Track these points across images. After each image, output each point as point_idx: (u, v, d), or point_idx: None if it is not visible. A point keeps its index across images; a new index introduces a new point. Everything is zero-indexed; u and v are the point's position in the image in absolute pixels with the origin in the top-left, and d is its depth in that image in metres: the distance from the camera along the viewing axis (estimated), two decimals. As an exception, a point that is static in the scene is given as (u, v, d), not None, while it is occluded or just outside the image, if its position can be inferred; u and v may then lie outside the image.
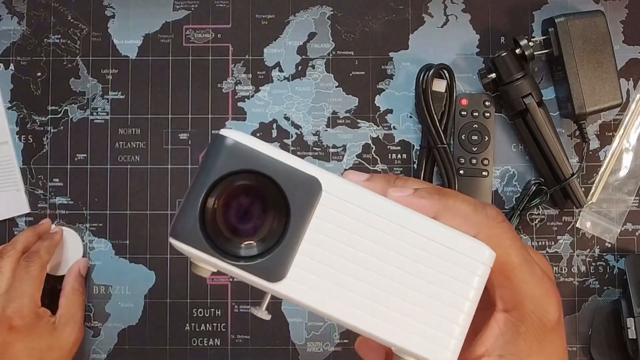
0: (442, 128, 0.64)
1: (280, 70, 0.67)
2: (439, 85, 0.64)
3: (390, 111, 0.67)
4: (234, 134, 0.31)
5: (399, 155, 0.66)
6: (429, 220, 0.33)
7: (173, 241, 0.31)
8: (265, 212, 0.33)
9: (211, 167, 0.31)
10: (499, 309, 0.35)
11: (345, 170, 0.38)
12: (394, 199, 0.34)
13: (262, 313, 0.33)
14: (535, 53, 0.63)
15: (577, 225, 0.66)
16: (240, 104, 0.67)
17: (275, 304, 0.64)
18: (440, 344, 0.32)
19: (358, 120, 0.66)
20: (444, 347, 0.32)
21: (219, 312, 0.65)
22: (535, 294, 0.34)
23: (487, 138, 0.65)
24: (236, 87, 0.67)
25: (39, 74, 0.67)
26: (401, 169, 0.66)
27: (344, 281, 0.32)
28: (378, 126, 0.66)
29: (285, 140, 0.66)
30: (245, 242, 0.32)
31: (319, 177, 0.31)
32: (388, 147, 0.66)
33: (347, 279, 0.32)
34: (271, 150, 0.31)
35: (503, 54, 0.63)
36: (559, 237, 0.66)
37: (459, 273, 0.32)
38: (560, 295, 0.36)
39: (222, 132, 0.31)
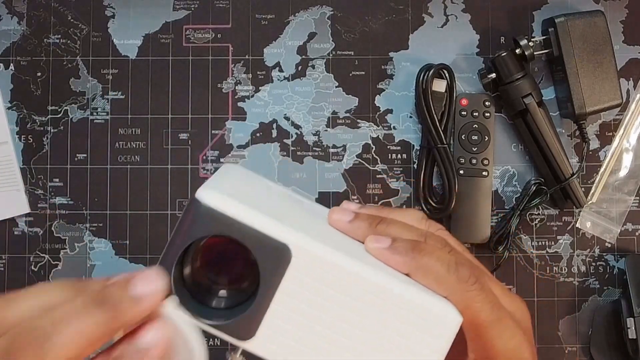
0: (442, 128, 0.64)
1: (280, 70, 0.67)
2: (439, 85, 0.64)
3: (390, 111, 0.67)
4: (209, 197, 0.32)
5: (399, 155, 0.66)
6: (398, 283, 0.33)
7: None
8: (237, 273, 0.34)
9: (185, 230, 0.32)
10: None
11: (334, 207, 0.39)
12: (370, 249, 0.35)
13: (237, 359, 0.34)
14: (535, 53, 0.63)
15: (577, 225, 0.66)
16: (240, 104, 0.67)
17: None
18: None
19: (358, 120, 0.66)
20: None
21: (219, 312, 0.65)
22: (508, 347, 0.35)
23: (487, 138, 0.65)
24: (236, 87, 0.67)
25: (39, 74, 0.67)
26: (401, 168, 0.66)
27: (311, 343, 0.33)
28: (378, 126, 0.66)
29: (285, 140, 0.66)
30: (217, 300, 0.34)
31: (290, 243, 0.32)
32: (388, 147, 0.66)
33: (314, 340, 0.33)
34: (244, 214, 0.32)
35: (503, 54, 0.63)
36: (559, 237, 0.66)
37: (424, 337, 0.33)
38: (534, 344, 0.37)
39: (198, 194, 0.32)
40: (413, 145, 0.66)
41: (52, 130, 0.66)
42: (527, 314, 0.38)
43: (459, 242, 0.40)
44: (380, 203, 0.66)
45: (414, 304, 0.33)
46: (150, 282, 0.31)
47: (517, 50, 0.63)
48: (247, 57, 0.67)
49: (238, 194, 0.34)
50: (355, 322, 0.33)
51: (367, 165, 0.66)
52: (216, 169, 0.66)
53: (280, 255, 0.32)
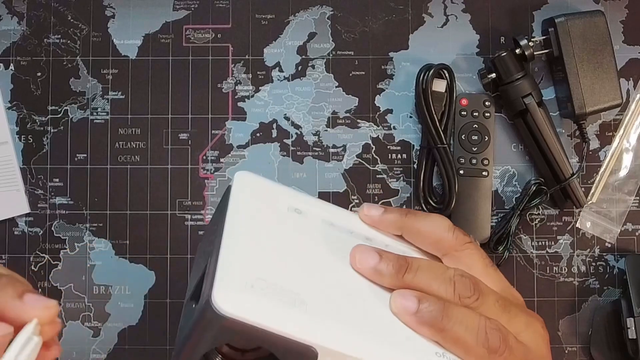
0: (442, 128, 0.64)
1: (280, 70, 0.67)
2: (439, 85, 0.64)
3: (390, 111, 0.67)
4: (226, 301, 0.29)
5: (399, 155, 0.66)
6: None
7: None
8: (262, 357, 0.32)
9: (201, 340, 0.30)
10: None
11: (363, 204, 0.41)
12: (395, 311, 0.34)
13: None
14: (535, 53, 0.63)
15: (577, 225, 0.66)
16: (240, 104, 0.67)
17: None
18: None
19: (358, 120, 0.66)
20: None
21: (219, 312, 0.65)
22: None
23: (487, 138, 0.65)
24: (236, 87, 0.67)
25: (39, 74, 0.67)
26: (401, 168, 0.66)
27: None
28: (378, 126, 0.66)
29: (285, 140, 0.66)
30: None
31: (315, 345, 0.30)
32: (388, 147, 0.66)
33: None
34: (267, 320, 0.30)
35: (503, 54, 0.63)
36: (559, 237, 0.66)
37: None
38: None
39: (214, 298, 0.29)
40: (413, 145, 0.66)
41: (52, 130, 0.66)
42: (545, 345, 0.38)
43: (487, 258, 0.40)
44: (380, 203, 0.66)
45: None
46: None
47: (517, 50, 0.63)
48: (247, 57, 0.67)
49: (256, 275, 0.31)
50: None
51: (367, 165, 0.66)
52: (216, 169, 0.66)
53: (305, 356, 0.31)
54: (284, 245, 0.35)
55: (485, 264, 0.39)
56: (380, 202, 0.66)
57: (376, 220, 0.40)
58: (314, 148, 0.66)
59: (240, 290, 0.30)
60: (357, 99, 0.67)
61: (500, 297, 0.37)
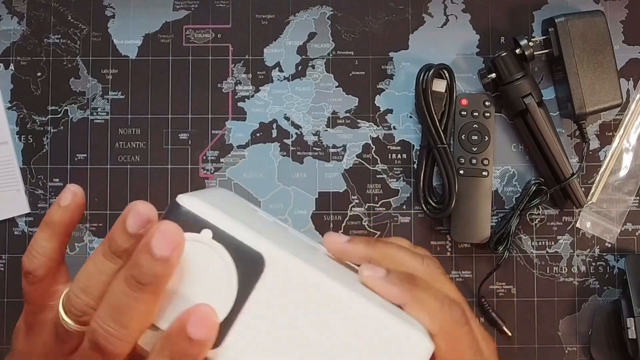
0: (442, 128, 0.64)
1: (280, 70, 0.67)
2: (439, 85, 0.64)
3: (390, 111, 0.67)
4: (190, 201, 0.33)
5: (399, 155, 0.66)
6: (374, 306, 0.32)
7: None
8: None
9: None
10: None
11: (326, 233, 0.40)
12: (364, 277, 0.35)
13: None
14: (535, 53, 0.63)
15: (577, 225, 0.66)
16: (240, 104, 0.67)
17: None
18: None
19: (358, 120, 0.66)
20: None
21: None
22: None
23: (487, 138, 0.65)
24: (236, 87, 0.67)
25: (39, 74, 0.67)
26: (401, 168, 0.66)
27: (276, 356, 0.32)
28: (378, 126, 0.66)
29: (285, 140, 0.66)
30: None
31: (264, 252, 0.32)
32: (388, 147, 0.66)
33: (280, 354, 0.32)
34: (222, 221, 0.32)
35: (503, 54, 0.63)
36: (559, 237, 0.66)
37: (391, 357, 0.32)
38: None
39: (179, 198, 0.33)
40: (413, 145, 0.66)
41: (52, 130, 0.66)
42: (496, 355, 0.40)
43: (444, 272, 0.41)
44: (380, 203, 0.66)
45: (387, 327, 0.32)
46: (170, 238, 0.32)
47: (517, 50, 0.63)
48: (247, 57, 0.67)
49: (219, 204, 0.34)
50: (323, 340, 0.32)
51: (367, 165, 0.66)
52: (216, 169, 0.66)
53: (253, 264, 0.32)
54: (248, 213, 0.37)
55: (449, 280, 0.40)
56: (380, 202, 0.66)
57: (341, 248, 0.38)
58: (314, 148, 0.66)
59: (205, 201, 0.33)
60: (357, 99, 0.67)
61: (459, 293, 0.39)
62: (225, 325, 0.32)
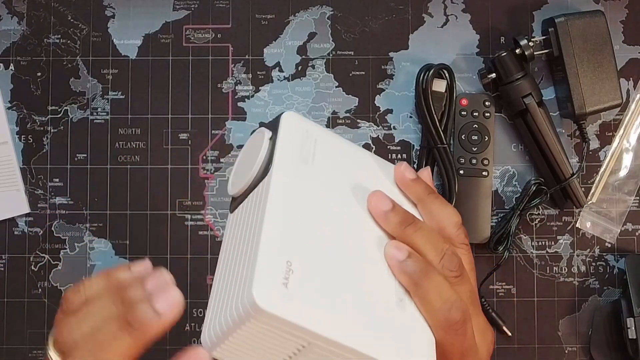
0: (442, 128, 0.64)
1: (280, 70, 0.67)
2: (439, 85, 0.64)
3: (390, 111, 0.67)
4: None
5: (399, 155, 0.66)
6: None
7: None
8: None
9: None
10: None
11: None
12: (386, 254, 0.38)
13: None
14: (535, 53, 0.63)
15: (577, 225, 0.66)
16: (240, 104, 0.67)
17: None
18: None
19: (358, 120, 0.66)
20: None
21: (219, 312, 0.65)
22: None
23: (487, 138, 0.65)
24: (236, 87, 0.67)
25: (39, 74, 0.67)
26: (401, 169, 0.66)
27: None
28: (378, 126, 0.66)
29: (285, 140, 0.66)
30: None
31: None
32: (388, 147, 0.66)
33: None
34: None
35: (503, 54, 0.63)
36: (559, 237, 0.66)
37: None
38: None
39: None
40: (413, 145, 0.66)
41: (52, 130, 0.66)
42: (488, 356, 0.42)
43: (473, 263, 0.43)
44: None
45: None
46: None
47: (517, 50, 0.63)
48: (247, 57, 0.67)
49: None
50: None
51: (367, 165, 0.66)
52: (216, 169, 0.66)
53: None
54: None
55: (470, 268, 0.42)
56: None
57: (405, 183, 0.43)
58: (314, 148, 0.66)
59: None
60: (357, 99, 0.67)
61: (474, 291, 0.41)
62: None
